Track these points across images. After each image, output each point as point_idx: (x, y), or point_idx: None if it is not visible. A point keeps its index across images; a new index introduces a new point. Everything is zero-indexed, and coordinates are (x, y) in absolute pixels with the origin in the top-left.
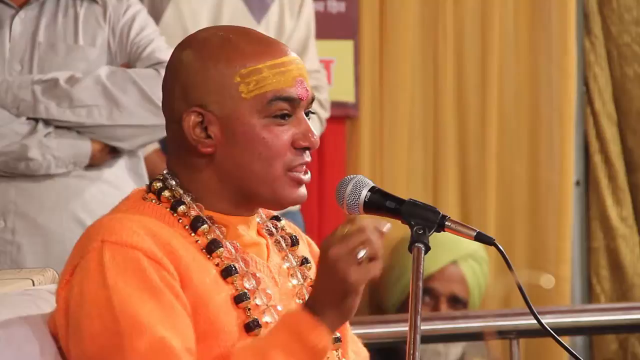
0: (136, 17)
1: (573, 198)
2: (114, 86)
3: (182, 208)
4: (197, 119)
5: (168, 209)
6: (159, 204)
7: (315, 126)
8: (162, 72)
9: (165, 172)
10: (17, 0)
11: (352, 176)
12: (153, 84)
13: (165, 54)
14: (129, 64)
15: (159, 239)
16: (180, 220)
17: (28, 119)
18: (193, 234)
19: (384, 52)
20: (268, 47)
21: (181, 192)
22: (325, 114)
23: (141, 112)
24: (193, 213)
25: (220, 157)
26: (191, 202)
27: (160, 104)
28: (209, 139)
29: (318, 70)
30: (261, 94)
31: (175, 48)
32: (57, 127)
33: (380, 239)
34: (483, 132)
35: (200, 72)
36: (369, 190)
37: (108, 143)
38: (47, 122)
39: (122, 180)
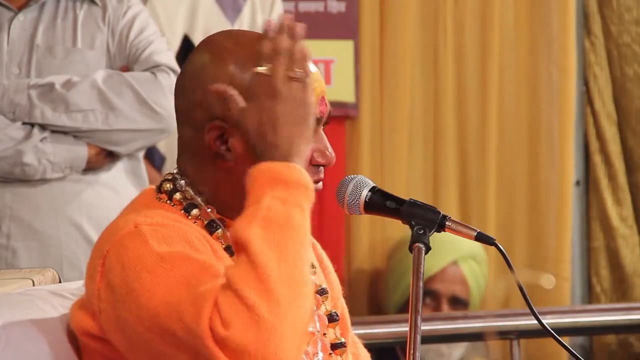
0: (136, 19)
1: (573, 198)
2: (110, 90)
3: (195, 211)
4: (219, 131)
5: (181, 211)
6: (172, 205)
7: None
8: (159, 75)
9: (175, 171)
10: (16, 3)
11: (352, 176)
12: (149, 87)
13: (164, 57)
14: (127, 67)
15: (190, 230)
16: (195, 223)
17: (24, 123)
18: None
19: (384, 52)
20: None
21: (192, 193)
22: None
23: (137, 117)
24: (206, 216)
25: (237, 170)
26: (203, 204)
27: (157, 108)
28: (229, 151)
29: None
30: None
31: (197, 49)
32: (53, 131)
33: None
34: (483, 132)
35: (226, 84)
36: (370, 191)
37: (104, 147)
38: (43, 127)
39: (120, 183)
